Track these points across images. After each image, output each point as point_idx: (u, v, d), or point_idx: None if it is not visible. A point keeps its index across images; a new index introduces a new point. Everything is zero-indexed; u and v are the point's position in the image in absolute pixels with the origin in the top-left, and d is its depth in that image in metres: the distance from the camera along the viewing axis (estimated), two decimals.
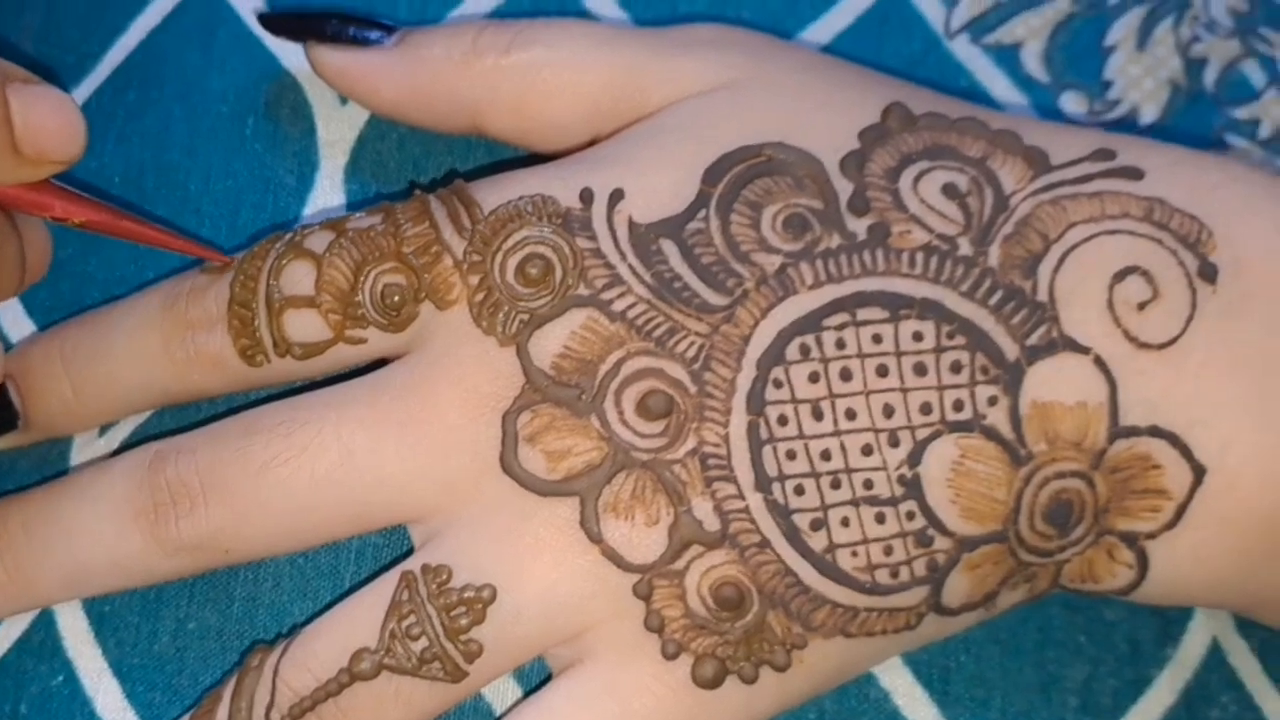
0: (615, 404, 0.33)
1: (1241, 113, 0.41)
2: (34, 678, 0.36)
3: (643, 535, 0.32)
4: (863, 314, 0.33)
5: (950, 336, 0.33)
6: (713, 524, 0.32)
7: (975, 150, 0.34)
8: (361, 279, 0.34)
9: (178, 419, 0.37)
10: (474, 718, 0.35)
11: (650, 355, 0.33)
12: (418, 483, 0.33)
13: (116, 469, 0.35)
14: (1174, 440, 0.32)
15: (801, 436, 0.32)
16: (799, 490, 0.32)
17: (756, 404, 0.32)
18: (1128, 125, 0.40)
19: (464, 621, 0.32)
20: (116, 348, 0.36)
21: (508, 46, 0.36)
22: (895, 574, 0.32)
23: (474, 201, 0.34)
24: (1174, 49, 0.41)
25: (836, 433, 0.32)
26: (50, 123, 0.32)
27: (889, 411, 0.32)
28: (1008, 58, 0.41)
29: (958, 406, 0.32)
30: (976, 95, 0.40)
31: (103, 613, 0.36)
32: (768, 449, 0.32)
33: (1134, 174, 0.33)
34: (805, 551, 0.32)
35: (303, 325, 0.34)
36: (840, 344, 0.33)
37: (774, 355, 0.33)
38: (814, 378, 0.33)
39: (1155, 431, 0.32)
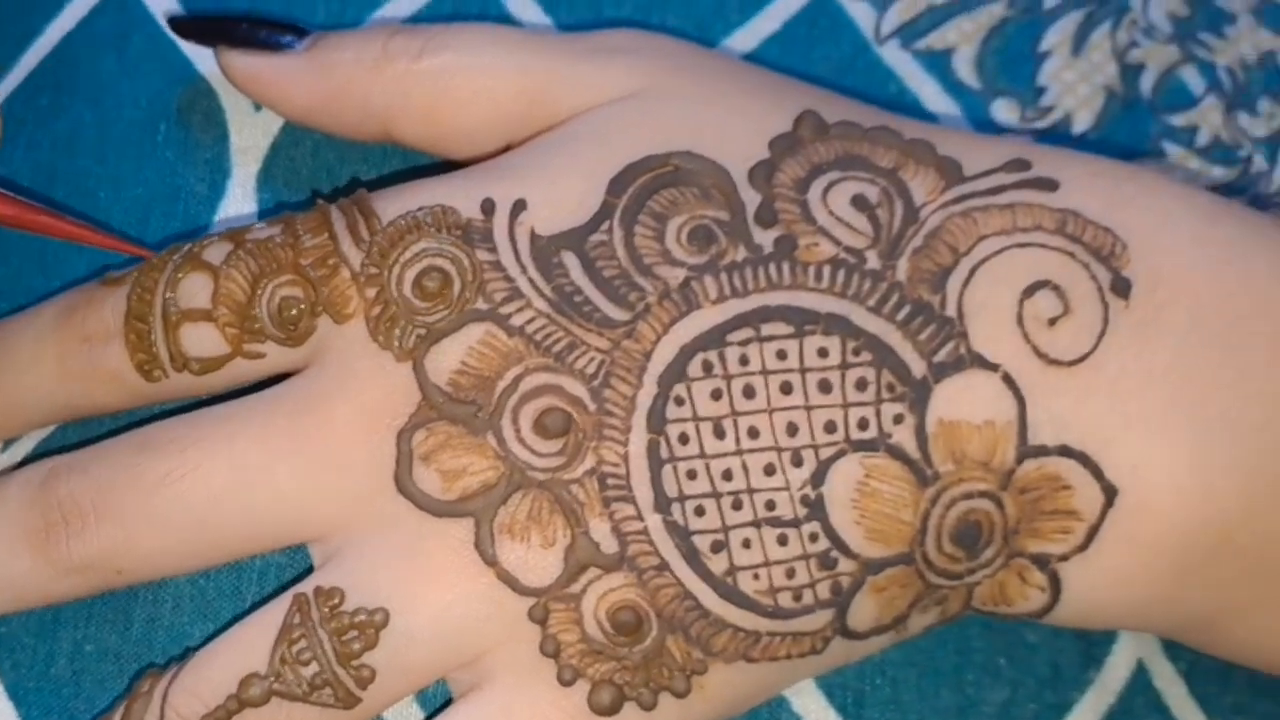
0: (513, 421, 0.32)
1: (1179, 120, 0.40)
2: None
3: (539, 557, 0.31)
4: (767, 329, 0.32)
5: (856, 353, 0.32)
6: (610, 546, 0.31)
7: (887, 160, 0.33)
8: (259, 292, 0.33)
9: (82, 433, 0.36)
10: None
11: (549, 371, 0.32)
12: (312, 501, 0.32)
13: (9, 487, 0.34)
14: (1084, 460, 0.31)
15: (703, 455, 0.31)
16: (699, 511, 0.31)
17: (657, 422, 0.32)
18: (1061, 132, 0.39)
19: (356, 646, 0.31)
20: (16, 360, 0.35)
21: (419, 52, 0.35)
22: (799, 597, 0.31)
23: (373, 212, 0.33)
24: (1110, 54, 0.40)
25: (739, 451, 0.31)
26: None
27: (793, 430, 0.31)
28: (938, 64, 0.40)
29: (863, 425, 0.31)
30: (906, 102, 0.39)
31: None
32: (668, 468, 0.31)
33: (1049, 185, 0.33)
34: (705, 574, 0.31)
35: (199, 339, 0.33)
36: (744, 360, 0.32)
37: (676, 372, 0.32)
38: (716, 395, 0.32)
39: (1065, 451, 0.31)
